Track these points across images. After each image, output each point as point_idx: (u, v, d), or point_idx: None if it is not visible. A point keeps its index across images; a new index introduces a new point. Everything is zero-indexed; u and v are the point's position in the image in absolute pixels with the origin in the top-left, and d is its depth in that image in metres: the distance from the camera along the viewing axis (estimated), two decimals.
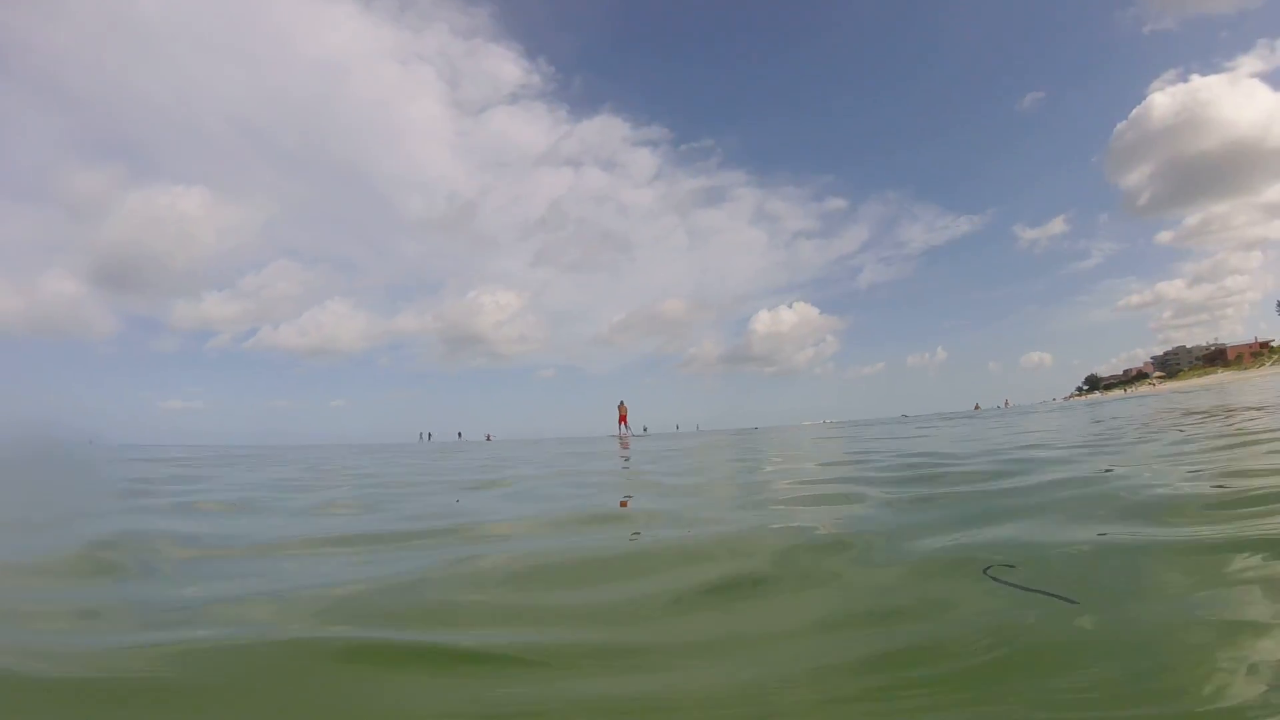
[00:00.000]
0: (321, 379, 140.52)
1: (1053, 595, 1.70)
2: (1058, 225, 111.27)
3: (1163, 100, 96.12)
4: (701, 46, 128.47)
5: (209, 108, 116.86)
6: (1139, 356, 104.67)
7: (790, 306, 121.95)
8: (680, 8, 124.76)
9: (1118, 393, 76.58)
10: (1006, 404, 79.74)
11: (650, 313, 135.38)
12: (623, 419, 31.68)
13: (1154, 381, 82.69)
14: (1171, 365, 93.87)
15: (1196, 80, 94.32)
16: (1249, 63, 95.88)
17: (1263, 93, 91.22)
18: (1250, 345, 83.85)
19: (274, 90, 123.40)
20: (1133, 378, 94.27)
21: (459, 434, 61.49)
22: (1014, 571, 1.93)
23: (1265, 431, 6.13)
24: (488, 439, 53.16)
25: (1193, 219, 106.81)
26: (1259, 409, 9.99)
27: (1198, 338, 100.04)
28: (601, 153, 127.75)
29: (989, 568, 1.97)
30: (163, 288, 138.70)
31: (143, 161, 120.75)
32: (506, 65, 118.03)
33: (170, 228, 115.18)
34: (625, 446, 14.73)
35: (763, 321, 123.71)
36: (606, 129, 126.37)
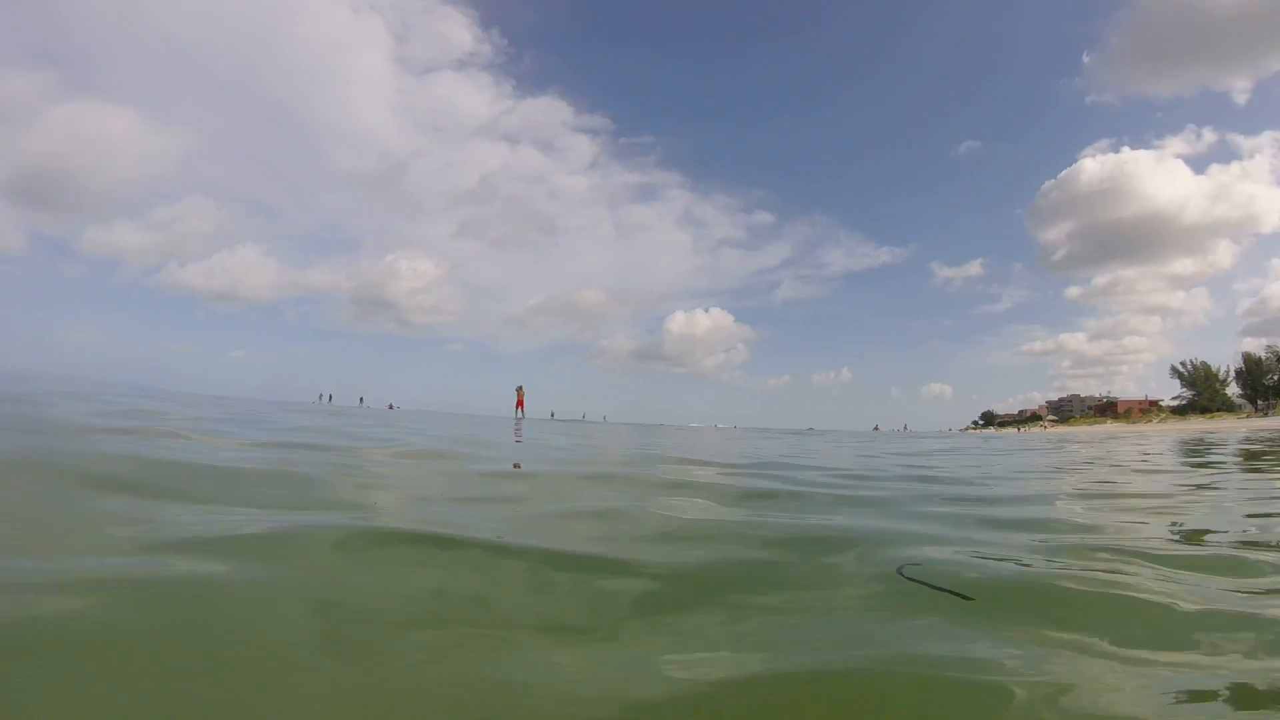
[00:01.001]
0: (224, 326, 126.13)
1: (955, 593, 1.94)
2: (974, 268, 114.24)
3: (1092, 166, 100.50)
4: (657, 44, 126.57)
5: (148, 25, 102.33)
6: (1035, 399, 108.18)
7: (706, 311, 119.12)
8: (642, 1, 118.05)
9: (1011, 430, 76.11)
10: (905, 428, 79.27)
11: (568, 299, 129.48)
12: (519, 403, 31.93)
13: (1045, 425, 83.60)
14: (1064, 411, 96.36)
15: (1126, 153, 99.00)
16: (1176, 144, 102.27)
17: (1184, 174, 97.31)
18: (1140, 402, 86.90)
19: (217, 15, 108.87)
20: (1027, 418, 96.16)
21: (360, 399, 59.36)
22: (920, 570, 2.18)
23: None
24: (390, 408, 52.20)
25: (1101, 279, 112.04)
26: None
27: (1092, 389, 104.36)
28: (541, 133, 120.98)
29: (902, 567, 2.20)
30: (77, 209, 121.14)
31: (75, 73, 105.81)
32: (459, 30, 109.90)
33: (93, 147, 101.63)
34: (519, 431, 14.17)
35: (678, 322, 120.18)
36: (550, 110, 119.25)
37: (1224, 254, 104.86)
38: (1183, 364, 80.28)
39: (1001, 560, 2.44)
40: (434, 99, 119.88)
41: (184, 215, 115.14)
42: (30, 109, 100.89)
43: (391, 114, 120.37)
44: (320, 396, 56.17)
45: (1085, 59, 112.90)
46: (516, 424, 20.31)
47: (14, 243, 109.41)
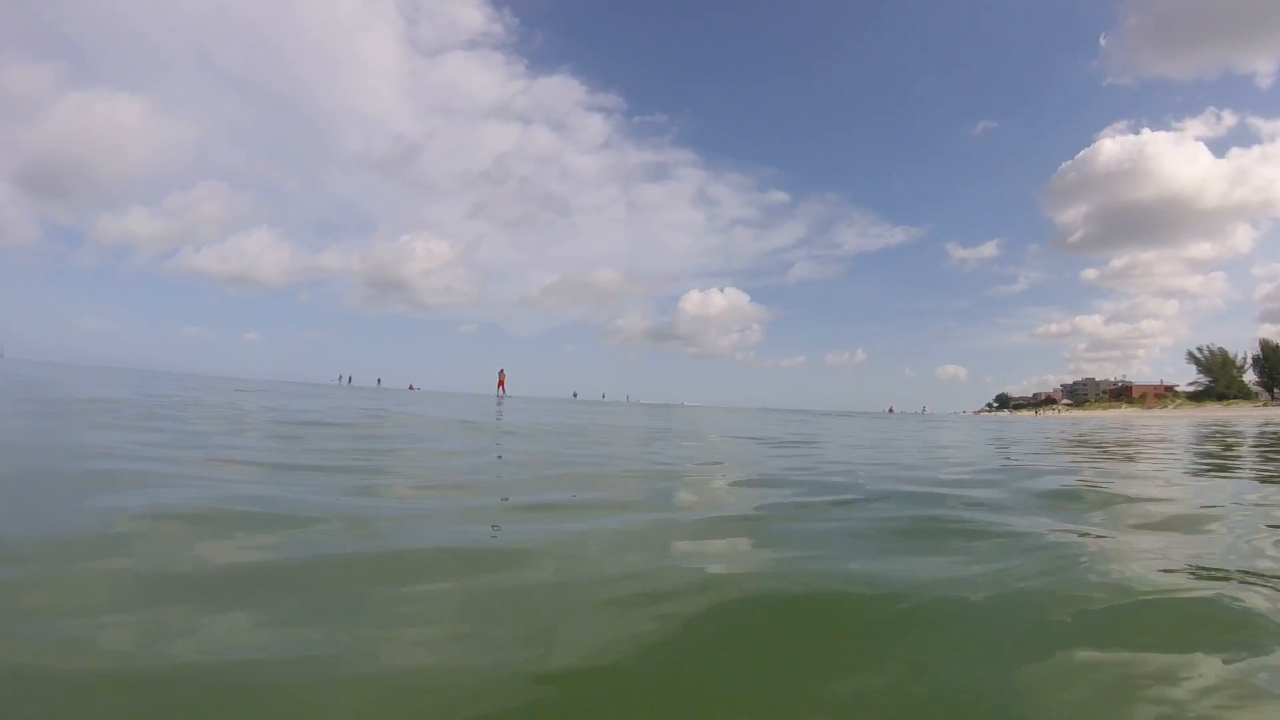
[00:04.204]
0: (238, 309, 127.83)
1: None
2: (990, 249, 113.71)
3: (1110, 147, 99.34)
4: (669, 22, 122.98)
5: (158, 16, 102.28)
6: (1050, 382, 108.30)
7: (722, 291, 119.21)
8: None
9: (1027, 413, 76.76)
10: (924, 410, 79.72)
11: (581, 279, 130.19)
12: (500, 384, 34.96)
13: (1059, 408, 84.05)
14: (1079, 394, 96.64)
15: (1146, 134, 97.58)
16: (1195, 127, 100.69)
17: (1203, 156, 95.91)
18: (1155, 387, 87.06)
19: (226, 5, 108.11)
20: (1041, 401, 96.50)
21: (378, 380, 61.18)
22: None
23: None
24: (410, 389, 55.07)
25: (1119, 261, 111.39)
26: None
27: (1107, 372, 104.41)
28: (553, 113, 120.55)
29: None
30: (89, 197, 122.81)
31: (84, 64, 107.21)
32: (469, 10, 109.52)
33: (104, 135, 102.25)
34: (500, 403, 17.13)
35: (693, 301, 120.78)
36: (562, 90, 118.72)
37: (1243, 238, 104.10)
38: (1199, 349, 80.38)
39: None
40: (445, 80, 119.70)
41: (197, 201, 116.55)
42: (39, 101, 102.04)
43: (403, 96, 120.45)
44: (340, 378, 57.68)
45: (1102, 41, 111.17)
46: (498, 401, 24.14)
47: (27, 233, 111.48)
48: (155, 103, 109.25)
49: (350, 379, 57.84)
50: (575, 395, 65.51)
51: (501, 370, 35.38)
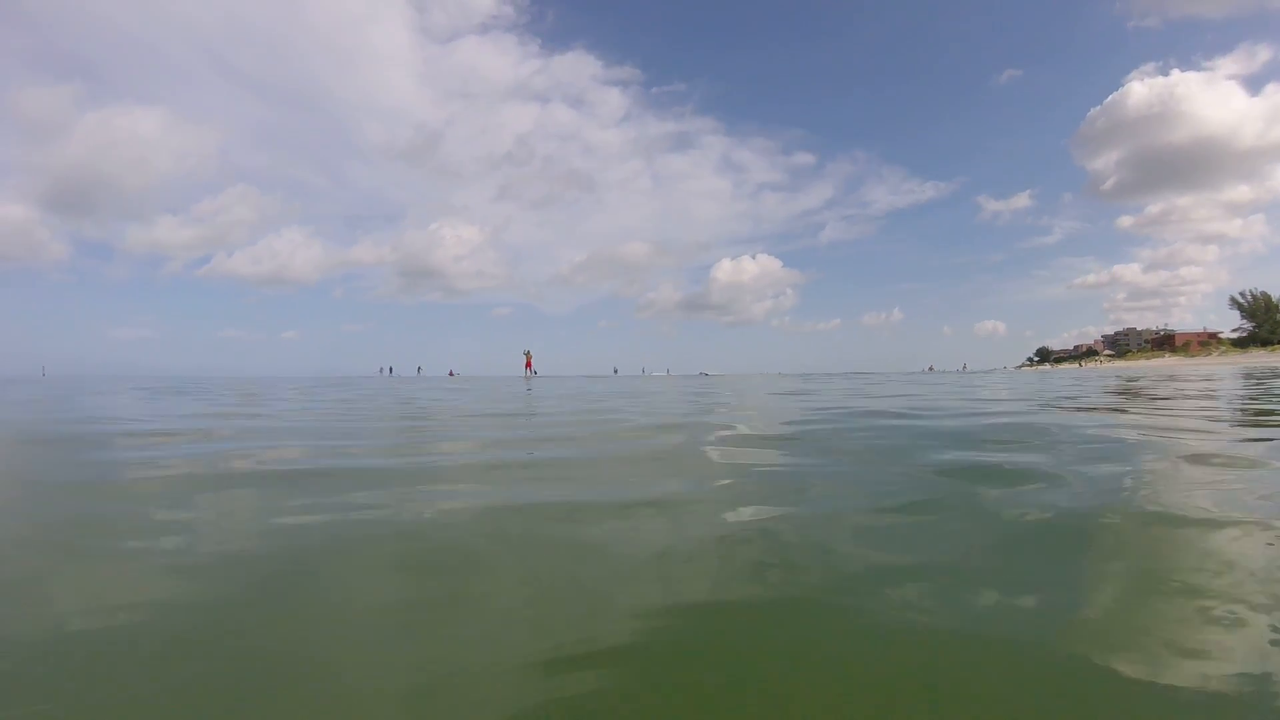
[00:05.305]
0: (274, 309, 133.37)
1: None
2: (1022, 200, 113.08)
3: (1140, 90, 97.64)
4: None
5: (168, 28, 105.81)
6: (1090, 334, 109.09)
7: (753, 258, 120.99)
8: None
9: (1069, 366, 78.57)
10: (964, 368, 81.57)
11: (611, 254, 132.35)
12: (528, 364, 36.58)
13: (1101, 360, 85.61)
14: (1121, 345, 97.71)
15: (1176, 75, 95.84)
16: (1228, 65, 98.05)
17: (1238, 95, 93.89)
18: (1199, 334, 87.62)
19: (235, 7, 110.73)
20: (1083, 354, 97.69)
21: (419, 369, 62.82)
22: None
23: None
24: (450, 375, 56.48)
25: (1155, 208, 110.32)
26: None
27: (1148, 321, 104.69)
28: (571, 90, 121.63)
29: None
30: (116, 211, 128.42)
31: (100, 82, 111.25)
32: None
33: (126, 149, 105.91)
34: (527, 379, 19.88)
35: (724, 270, 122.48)
36: (578, 66, 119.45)
37: None
38: (1242, 294, 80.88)
39: None
40: (461, 65, 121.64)
41: (226, 205, 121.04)
42: (60, 122, 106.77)
43: (420, 84, 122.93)
44: (381, 370, 60.66)
45: None
46: (526, 380, 27.83)
47: (59, 251, 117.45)
48: (175, 112, 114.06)
49: (391, 370, 60.25)
50: (616, 371, 68.55)
51: (528, 351, 36.47)
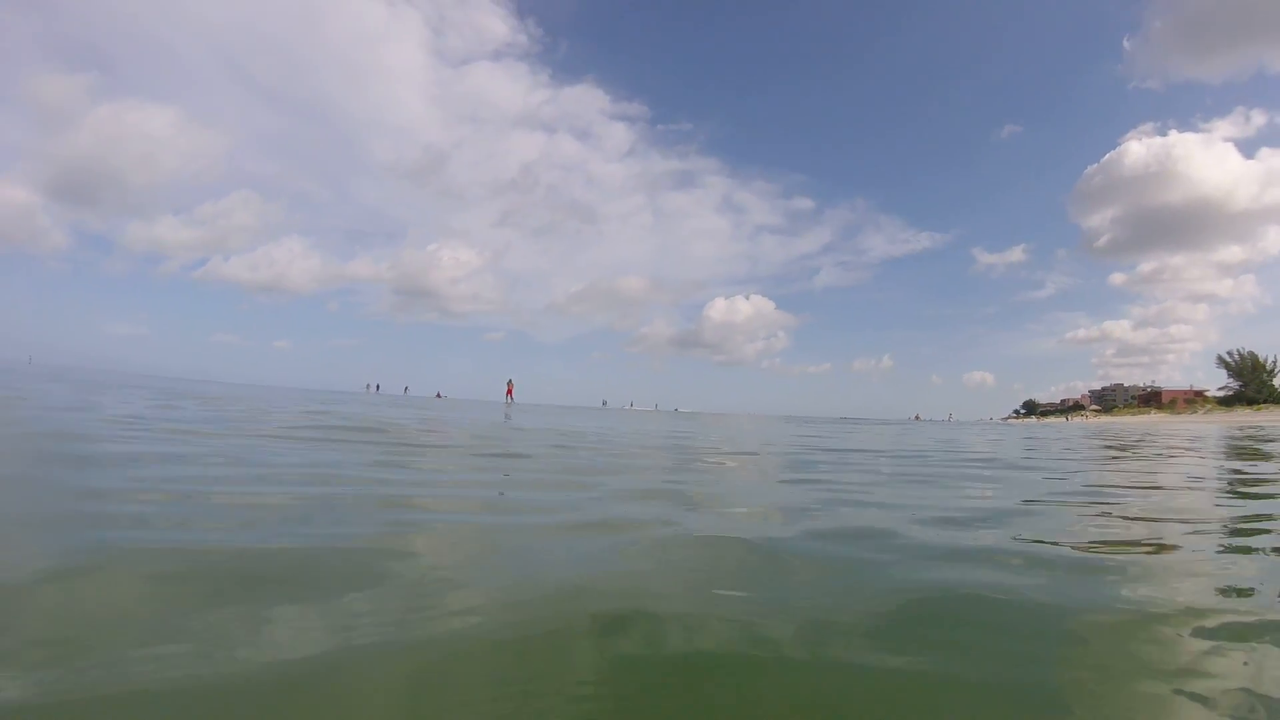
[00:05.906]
0: (267, 317, 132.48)
1: None
2: (1017, 254, 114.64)
3: (1137, 149, 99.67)
4: (692, 31, 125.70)
5: (187, 27, 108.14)
6: (1078, 388, 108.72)
7: (747, 298, 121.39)
8: None
9: (1055, 419, 77.51)
10: (950, 418, 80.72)
11: (607, 287, 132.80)
12: (509, 392, 39.63)
13: (1087, 414, 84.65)
14: (1108, 400, 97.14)
15: (1174, 136, 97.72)
16: (1224, 128, 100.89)
17: (1233, 158, 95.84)
18: (1185, 392, 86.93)
19: (255, 15, 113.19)
20: (1070, 407, 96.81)
21: (405, 389, 62.40)
22: None
23: None
24: (438, 396, 56.78)
25: (1147, 266, 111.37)
26: None
27: (1136, 378, 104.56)
28: (578, 122, 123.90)
29: None
30: (119, 206, 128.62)
31: (116, 76, 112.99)
32: (495, 21, 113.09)
33: (135, 145, 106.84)
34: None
35: (718, 309, 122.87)
36: (586, 98, 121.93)
37: (1274, 240, 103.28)
38: (1229, 353, 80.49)
39: None
40: (472, 90, 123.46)
41: (228, 210, 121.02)
42: (72, 111, 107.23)
43: (431, 106, 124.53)
44: (368, 386, 59.34)
45: (1126, 44, 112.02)
46: (506, 407, 29.64)
47: (59, 240, 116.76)
48: (187, 113, 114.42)
49: (378, 387, 59.26)
50: (605, 403, 67.21)
51: (510, 381, 40.02)
